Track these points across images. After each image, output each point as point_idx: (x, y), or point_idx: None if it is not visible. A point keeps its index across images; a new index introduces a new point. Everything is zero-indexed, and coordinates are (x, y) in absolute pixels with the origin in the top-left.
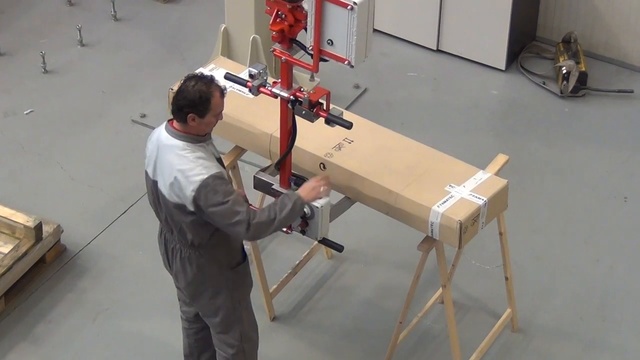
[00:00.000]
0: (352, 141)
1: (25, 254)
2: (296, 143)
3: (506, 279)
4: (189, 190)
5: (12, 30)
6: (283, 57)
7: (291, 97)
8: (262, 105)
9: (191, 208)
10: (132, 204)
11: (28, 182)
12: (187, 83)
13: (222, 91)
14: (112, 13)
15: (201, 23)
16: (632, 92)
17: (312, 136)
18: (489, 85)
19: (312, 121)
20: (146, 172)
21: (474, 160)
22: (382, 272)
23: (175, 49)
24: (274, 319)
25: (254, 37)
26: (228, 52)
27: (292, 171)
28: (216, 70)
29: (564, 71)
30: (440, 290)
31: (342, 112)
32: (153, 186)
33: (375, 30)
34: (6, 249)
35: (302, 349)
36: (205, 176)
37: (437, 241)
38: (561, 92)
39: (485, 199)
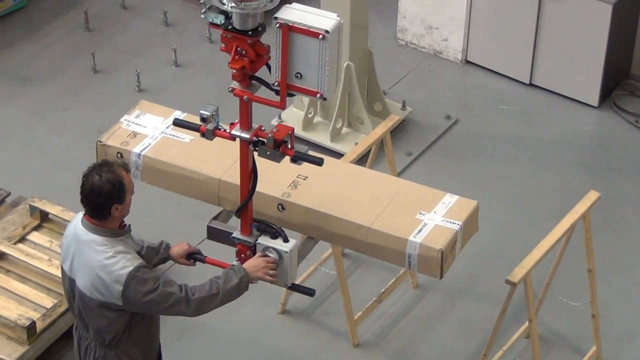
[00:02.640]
0: (307, 177)
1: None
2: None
3: (593, 316)
4: (116, 286)
5: (109, 49)
6: (245, 96)
7: (254, 138)
8: (202, 149)
9: (119, 303)
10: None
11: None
12: (91, 180)
13: (125, 167)
14: (207, 35)
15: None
16: None
17: (264, 177)
18: (581, 121)
19: (279, 161)
20: (62, 268)
21: (564, 196)
22: (467, 304)
23: (265, 73)
24: (357, 345)
25: (347, 64)
26: None
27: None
28: (142, 116)
29: None
30: (526, 324)
31: (308, 149)
32: (70, 283)
33: (467, 62)
34: None
35: None
36: (130, 268)
37: (527, 275)
38: None
39: (460, 223)
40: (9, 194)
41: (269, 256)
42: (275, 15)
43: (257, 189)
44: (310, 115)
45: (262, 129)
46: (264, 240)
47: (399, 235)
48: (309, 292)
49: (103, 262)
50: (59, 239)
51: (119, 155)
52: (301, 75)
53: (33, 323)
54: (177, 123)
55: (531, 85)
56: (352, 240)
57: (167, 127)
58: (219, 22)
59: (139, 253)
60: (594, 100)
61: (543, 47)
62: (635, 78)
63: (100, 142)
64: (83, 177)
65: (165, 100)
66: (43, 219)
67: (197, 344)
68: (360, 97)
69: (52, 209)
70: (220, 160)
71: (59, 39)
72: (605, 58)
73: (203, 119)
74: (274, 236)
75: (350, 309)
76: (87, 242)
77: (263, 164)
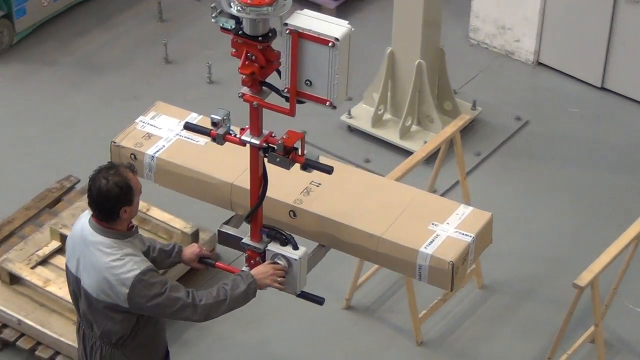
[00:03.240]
0: (320, 184)
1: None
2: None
3: None
4: (122, 289)
5: (181, 40)
6: (255, 102)
7: (263, 144)
8: (216, 153)
9: (125, 306)
10: None
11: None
12: (98, 184)
13: (132, 169)
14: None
15: (367, 45)
16: None
17: (276, 182)
18: None
19: (288, 168)
20: (67, 267)
21: (633, 201)
22: (532, 306)
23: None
24: (420, 343)
25: (419, 62)
26: (392, 74)
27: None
28: (158, 118)
29: None
30: (592, 329)
31: (319, 156)
32: (75, 283)
33: (539, 63)
34: None
35: None
36: (138, 272)
37: (595, 279)
38: None
39: (472, 235)
40: (79, 181)
41: (277, 263)
42: (286, 21)
43: (269, 195)
44: (380, 112)
45: (273, 135)
46: (274, 247)
47: (410, 246)
48: (319, 301)
49: (110, 264)
50: None
51: (132, 156)
52: (311, 83)
53: None
54: (188, 127)
55: (603, 88)
56: (363, 250)
57: (182, 130)
58: (229, 27)
59: (146, 253)
60: None
61: (616, 50)
62: None
63: (114, 142)
64: (90, 181)
65: (235, 91)
66: None
67: (262, 335)
68: (431, 96)
69: None
70: (233, 165)
71: (132, 28)
72: None
73: (214, 124)
74: (284, 243)
75: (414, 307)
76: (94, 244)
77: (276, 170)
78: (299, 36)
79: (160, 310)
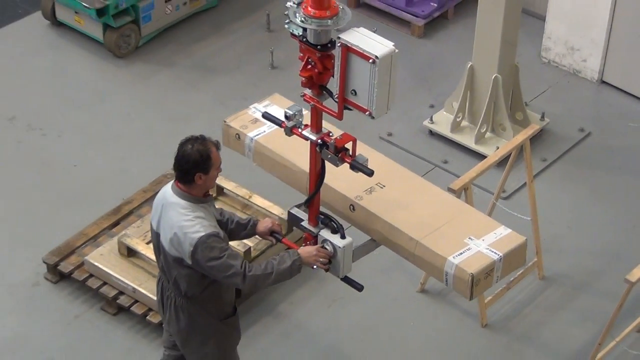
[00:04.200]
0: (384, 186)
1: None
2: (329, 183)
3: None
4: (187, 246)
5: (286, 48)
6: (312, 103)
7: (319, 141)
8: (304, 145)
9: (189, 262)
10: None
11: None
12: (184, 148)
13: (217, 145)
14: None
15: (450, 59)
16: None
17: (346, 177)
18: None
19: (337, 165)
20: (151, 224)
21: None
22: (587, 297)
23: (423, 79)
24: (485, 325)
25: (495, 76)
26: (471, 86)
27: (322, 210)
28: (269, 107)
29: None
30: (639, 320)
31: (367, 160)
32: (156, 237)
33: (602, 82)
34: None
35: (509, 357)
36: (202, 234)
37: None
38: None
39: (501, 254)
40: None
41: (324, 247)
42: (339, 35)
43: (335, 187)
44: (458, 119)
45: (331, 134)
46: (324, 233)
47: (441, 253)
48: (358, 287)
49: (182, 223)
50: (234, 210)
51: (237, 136)
52: (355, 92)
53: None
54: (265, 116)
55: None
56: (403, 250)
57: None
58: (297, 34)
59: (225, 224)
60: None
61: None
62: None
63: (225, 121)
64: (179, 145)
65: None
66: (219, 193)
67: (346, 311)
68: (505, 106)
69: (227, 185)
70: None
71: (243, 36)
72: None
73: (287, 117)
74: (334, 231)
75: (482, 298)
76: (172, 204)
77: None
78: (347, 50)
79: (215, 272)
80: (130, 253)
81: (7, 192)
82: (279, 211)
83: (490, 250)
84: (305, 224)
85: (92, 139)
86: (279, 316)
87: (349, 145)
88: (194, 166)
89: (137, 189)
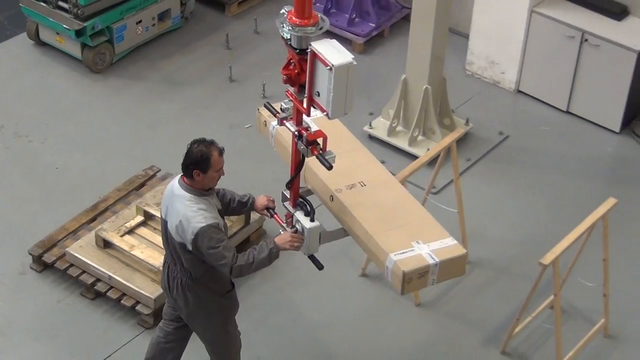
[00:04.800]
0: (365, 185)
1: (235, 233)
2: (319, 173)
3: (604, 295)
4: (189, 234)
5: (242, 64)
6: (290, 99)
7: (296, 132)
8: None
9: (190, 248)
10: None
11: (242, 179)
12: (192, 146)
13: (220, 151)
14: None
15: (386, 72)
16: None
17: (336, 170)
18: (605, 143)
19: (307, 156)
20: (160, 213)
21: (589, 200)
22: (507, 279)
23: (363, 90)
24: (418, 305)
25: (426, 87)
26: (405, 96)
27: (304, 195)
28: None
29: None
30: (551, 298)
31: (334, 157)
32: (164, 225)
33: (519, 91)
34: None
35: (438, 332)
36: (204, 224)
37: (556, 259)
38: None
39: (438, 260)
40: (159, 170)
41: (296, 230)
42: (311, 42)
43: (322, 178)
44: (394, 125)
45: (309, 129)
46: (298, 214)
47: (386, 250)
48: (318, 266)
49: (187, 213)
50: None
51: (264, 122)
52: (319, 94)
53: None
54: (266, 106)
55: (568, 112)
56: (360, 241)
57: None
58: (286, 37)
59: (227, 204)
60: (617, 127)
61: (579, 82)
62: None
63: (258, 109)
64: (190, 144)
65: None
66: None
67: (297, 293)
68: (434, 113)
69: None
70: (353, 161)
71: (205, 54)
72: (627, 94)
73: (282, 109)
74: (306, 214)
75: (415, 291)
76: (178, 197)
77: (345, 161)
78: (314, 56)
79: (210, 259)
80: (106, 245)
81: None
82: None
83: (430, 255)
84: (287, 203)
85: (72, 145)
86: (240, 297)
87: (319, 141)
88: (193, 164)
89: (112, 188)
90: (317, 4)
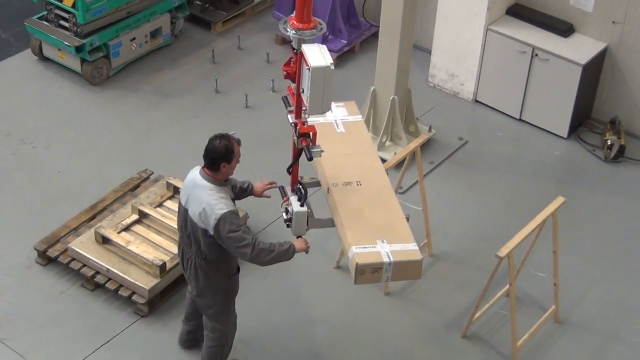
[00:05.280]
0: (361, 185)
1: None
2: (325, 167)
3: (554, 284)
4: (212, 220)
5: (227, 77)
6: (288, 93)
7: (292, 123)
8: (339, 137)
9: (211, 232)
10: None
11: None
12: (213, 142)
13: (238, 142)
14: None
15: (357, 84)
16: None
17: (341, 168)
18: (554, 147)
19: (298, 146)
20: (179, 201)
21: (540, 198)
22: (467, 270)
23: (335, 100)
24: (387, 294)
25: (393, 97)
26: (374, 105)
27: (304, 182)
28: (339, 108)
29: (609, 143)
30: (507, 287)
31: (322, 152)
32: (184, 212)
33: (476, 101)
34: None
35: (405, 319)
36: (225, 211)
37: (510, 252)
38: (605, 158)
39: (392, 260)
40: (152, 173)
41: (288, 212)
42: (303, 44)
43: (325, 170)
44: None
45: (305, 123)
46: (292, 198)
47: (351, 241)
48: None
49: (210, 201)
50: None
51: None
52: (303, 91)
53: (164, 263)
54: (282, 99)
55: (520, 120)
56: (338, 232)
57: (337, 117)
58: (290, 38)
59: (231, 191)
60: (564, 133)
61: (531, 93)
62: (594, 119)
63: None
64: (209, 140)
65: (264, 115)
66: (175, 192)
67: (277, 284)
68: (400, 121)
69: (181, 185)
70: (335, 149)
71: (193, 68)
72: (574, 103)
73: (288, 103)
74: (299, 199)
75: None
76: (201, 187)
77: (355, 164)
78: (301, 56)
79: (231, 242)
80: (104, 241)
81: (3, 193)
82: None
83: (387, 254)
84: (286, 187)
85: (73, 150)
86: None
87: (309, 134)
88: (220, 157)
89: (110, 189)
90: None
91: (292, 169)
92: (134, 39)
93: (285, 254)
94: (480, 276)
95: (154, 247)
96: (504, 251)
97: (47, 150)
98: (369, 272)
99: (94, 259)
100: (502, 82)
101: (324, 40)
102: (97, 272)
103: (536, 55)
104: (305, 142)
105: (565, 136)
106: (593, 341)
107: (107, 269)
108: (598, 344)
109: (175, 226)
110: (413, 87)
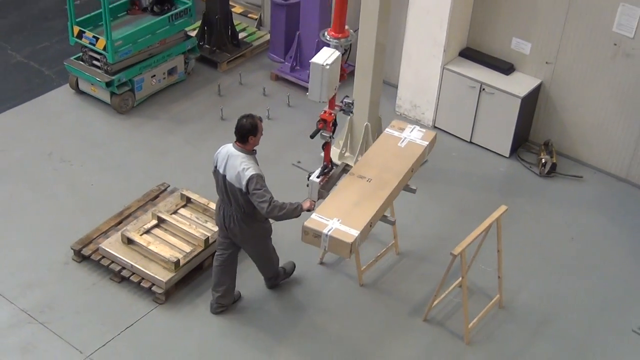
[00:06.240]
0: (370, 181)
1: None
2: (363, 161)
3: (499, 277)
4: (244, 180)
5: (231, 107)
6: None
7: (324, 111)
8: (381, 148)
9: (244, 190)
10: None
11: None
12: (242, 121)
13: (260, 119)
14: (287, 102)
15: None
16: (581, 177)
17: (371, 166)
18: (498, 165)
19: (317, 127)
20: (217, 170)
21: (487, 207)
22: (427, 265)
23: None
24: (362, 285)
25: (366, 124)
26: (351, 130)
27: (334, 161)
28: (420, 132)
29: (543, 161)
30: (460, 279)
31: (330, 136)
32: (222, 178)
33: (435, 127)
34: (215, 227)
35: (376, 305)
36: (253, 173)
37: (463, 250)
38: (540, 174)
39: (328, 234)
40: (169, 186)
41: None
42: (326, 47)
43: (356, 164)
44: (343, 152)
45: (332, 113)
46: (317, 170)
47: (318, 211)
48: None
49: (242, 166)
50: (197, 213)
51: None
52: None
53: (178, 260)
54: (343, 101)
55: (471, 142)
56: None
57: (408, 136)
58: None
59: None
60: (507, 153)
61: (479, 120)
62: (531, 142)
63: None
64: (238, 120)
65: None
66: (187, 202)
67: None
68: (372, 143)
69: (193, 196)
70: (382, 155)
71: (203, 99)
72: (514, 129)
73: (341, 102)
74: (321, 172)
75: (359, 264)
76: (234, 156)
77: (383, 166)
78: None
79: (255, 198)
80: (129, 242)
81: (46, 202)
82: None
83: (330, 229)
84: (313, 176)
85: (103, 167)
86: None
87: (328, 120)
88: (248, 132)
89: (133, 199)
90: (286, 63)
91: (325, 150)
92: (154, 75)
93: (294, 211)
94: (438, 270)
95: (170, 246)
96: (457, 250)
97: (82, 167)
98: (312, 235)
99: (120, 256)
100: (456, 111)
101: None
102: (123, 268)
103: (483, 89)
104: (321, 125)
105: (508, 155)
106: (530, 323)
107: (131, 264)
108: (534, 325)
109: (188, 230)
110: (383, 115)
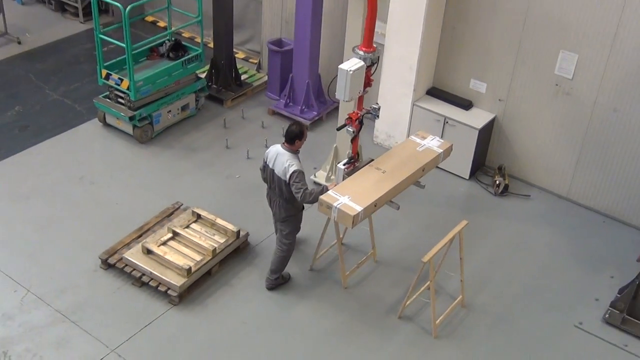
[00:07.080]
0: (384, 173)
1: (230, 244)
2: (384, 156)
3: (461, 281)
4: (289, 173)
5: (234, 137)
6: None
7: (353, 110)
8: (410, 156)
9: (288, 181)
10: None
11: (238, 212)
12: (291, 127)
13: (306, 126)
14: (282, 133)
15: (324, 142)
16: (529, 196)
17: (390, 162)
18: (459, 185)
19: (343, 121)
20: (267, 164)
21: (449, 222)
22: (400, 271)
23: (310, 154)
24: (346, 288)
25: (348, 152)
26: (336, 157)
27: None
28: (438, 142)
29: (497, 183)
30: (428, 282)
31: (353, 131)
32: (271, 172)
33: None
34: (221, 239)
35: (356, 305)
36: (296, 168)
37: (431, 258)
38: (495, 193)
39: (337, 207)
40: (182, 204)
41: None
42: (352, 57)
43: (377, 158)
44: (329, 175)
45: (358, 113)
46: (344, 160)
47: (336, 188)
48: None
49: (288, 162)
50: (206, 227)
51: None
52: None
53: (190, 267)
54: (372, 106)
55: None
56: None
57: (428, 144)
58: (360, 58)
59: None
60: (467, 175)
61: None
62: (487, 166)
63: (417, 132)
64: (289, 126)
65: (260, 164)
66: (198, 217)
67: (263, 282)
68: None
69: (202, 213)
70: (400, 154)
71: (210, 131)
72: (473, 155)
73: (371, 107)
74: (348, 161)
75: (344, 272)
76: (282, 154)
77: (401, 163)
78: None
79: (293, 188)
80: (148, 252)
81: (77, 219)
82: (232, 226)
83: (340, 203)
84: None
85: (127, 188)
86: (233, 284)
87: (353, 117)
88: (296, 136)
89: (152, 216)
90: (281, 100)
91: (353, 144)
92: (169, 111)
93: (321, 192)
94: (410, 275)
95: (183, 256)
96: (426, 258)
97: (108, 188)
98: (325, 206)
99: (141, 264)
100: None
101: (300, 113)
102: (143, 274)
103: (447, 122)
104: (347, 121)
105: (467, 178)
106: (488, 320)
107: (150, 271)
108: (491, 322)
109: (199, 242)
110: (362, 144)
